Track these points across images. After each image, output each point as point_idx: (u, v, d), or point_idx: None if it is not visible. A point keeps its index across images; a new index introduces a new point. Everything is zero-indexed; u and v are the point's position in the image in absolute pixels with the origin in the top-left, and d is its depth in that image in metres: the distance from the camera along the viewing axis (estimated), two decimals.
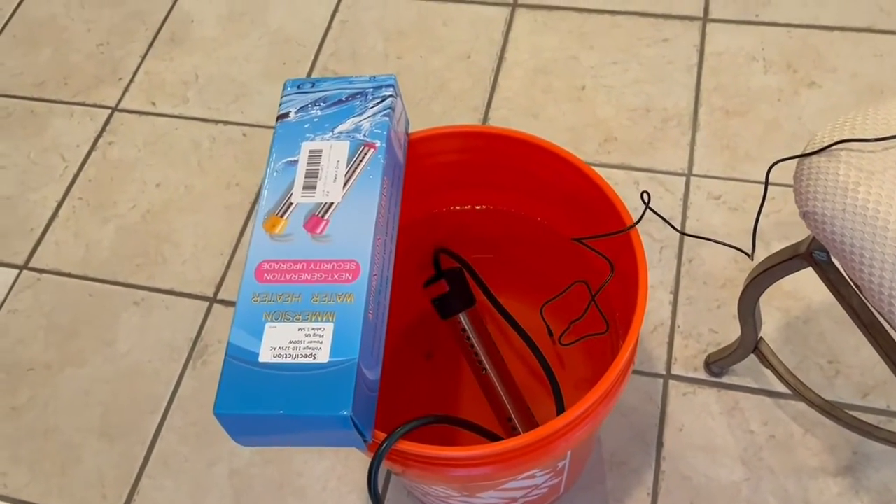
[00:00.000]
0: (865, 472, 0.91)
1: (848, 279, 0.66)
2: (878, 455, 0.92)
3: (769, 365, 0.89)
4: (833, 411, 0.85)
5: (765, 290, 0.77)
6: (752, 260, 0.69)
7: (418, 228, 0.86)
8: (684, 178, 1.15)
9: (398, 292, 0.71)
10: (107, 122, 1.33)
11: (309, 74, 1.33)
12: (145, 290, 1.15)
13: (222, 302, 1.13)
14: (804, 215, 0.60)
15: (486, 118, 1.25)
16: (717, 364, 0.97)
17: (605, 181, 0.72)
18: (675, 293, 1.06)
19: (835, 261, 0.65)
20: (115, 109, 1.34)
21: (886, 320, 0.57)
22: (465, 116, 1.25)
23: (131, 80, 1.37)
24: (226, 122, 1.30)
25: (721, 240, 1.09)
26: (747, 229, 1.10)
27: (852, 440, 0.93)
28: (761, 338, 0.89)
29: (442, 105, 1.27)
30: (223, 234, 1.19)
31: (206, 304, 1.13)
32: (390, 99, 0.69)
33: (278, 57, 1.36)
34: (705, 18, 1.30)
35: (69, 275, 1.18)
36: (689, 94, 1.22)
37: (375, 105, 0.69)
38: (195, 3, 1.45)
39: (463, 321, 0.87)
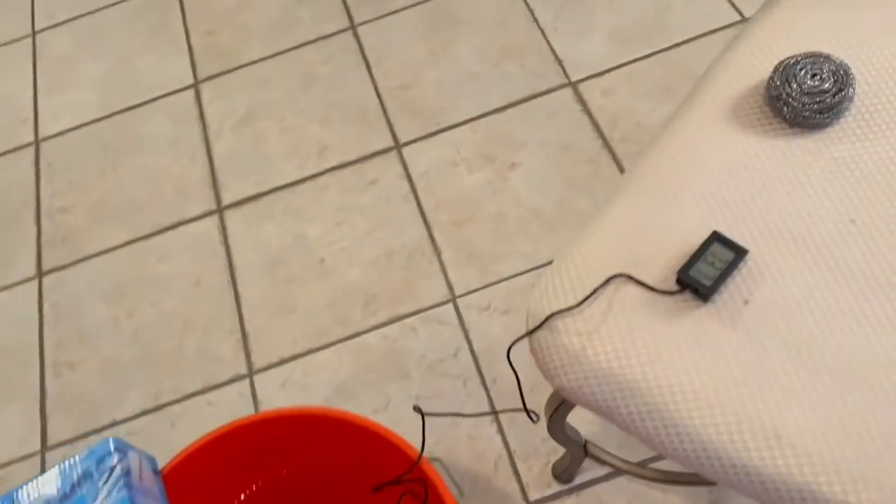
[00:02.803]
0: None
1: None
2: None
3: (604, 462, 0.91)
4: (668, 478, 0.88)
5: (566, 416, 0.79)
6: (535, 423, 0.70)
7: None
8: (451, 304, 1.17)
9: None
10: None
11: (41, 376, 1.20)
12: None
13: None
14: (560, 390, 0.61)
15: (244, 335, 1.19)
16: (564, 473, 0.98)
17: (377, 424, 0.69)
18: (497, 421, 1.06)
19: None
20: None
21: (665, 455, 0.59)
22: (223, 345, 1.19)
23: None
24: None
25: (513, 368, 1.11)
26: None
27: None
28: (586, 441, 0.91)
29: (195, 343, 1.20)
30: None
31: None
32: (119, 466, 0.62)
33: (1, 375, 1.22)
34: (398, 146, 1.34)
35: None
36: (418, 223, 1.25)
37: (106, 481, 0.62)
38: None
39: None
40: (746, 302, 0.57)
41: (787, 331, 0.56)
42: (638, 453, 1.00)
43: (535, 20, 1.42)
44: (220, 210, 1.33)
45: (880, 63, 0.65)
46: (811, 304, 0.56)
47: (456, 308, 1.16)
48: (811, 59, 0.63)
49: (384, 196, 1.29)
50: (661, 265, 0.60)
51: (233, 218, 1.31)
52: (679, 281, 0.58)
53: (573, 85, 1.34)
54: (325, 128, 1.37)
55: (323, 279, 1.22)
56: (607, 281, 0.60)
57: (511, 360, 1.10)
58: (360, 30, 1.47)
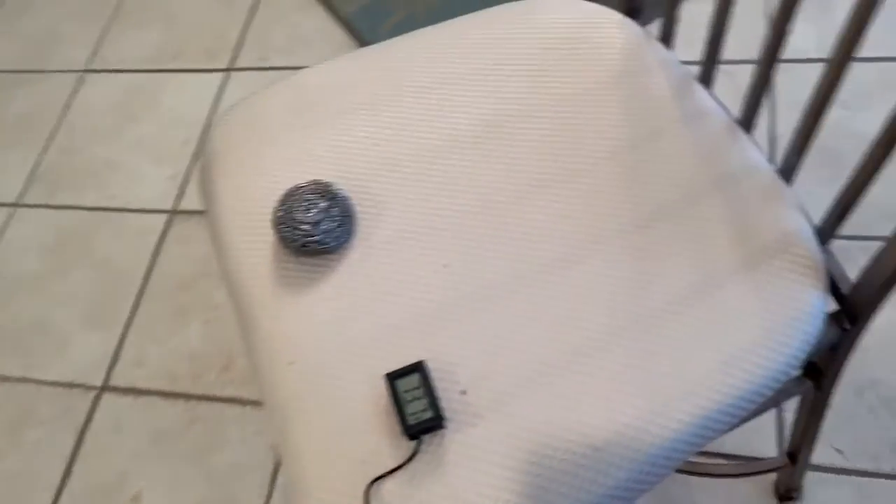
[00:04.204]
0: None
1: None
2: None
3: None
4: None
5: None
6: None
7: None
8: None
9: None
10: None
11: None
12: None
13: None
14: None
15: None
16: None
17: None
18: None
19: None
20: None
21: None
22: None
23: None
24: None
25: None
26: None
27: None
28: None
29: None
30: None
31: None
32: None
33: None
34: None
35: None
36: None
37: None
38: None
39: None
40: (464, 392, 0.56)
41: (506, 390, 0.56)
42: None
43: (7, 377, 1.21)
44: None
45: (340, 162, 0.69)
46: (492, 355, 0.58)
47: None
48: (291, 200, 0.64)
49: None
50: (384, 441, 0.55)
51: None
52: (412, 436, 0.54)
53: (104, 388, 1.18)
54: None
55: None
56: (368, 497, 0.53)
57: None
58: None
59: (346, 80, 0.74)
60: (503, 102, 0.70)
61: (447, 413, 0.55)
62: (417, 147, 0.68)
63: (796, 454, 0.84)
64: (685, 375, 0.55)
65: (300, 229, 0.63)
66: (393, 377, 0.56)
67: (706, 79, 0.70)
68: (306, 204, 0.64)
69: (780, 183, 0.63)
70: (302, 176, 0.68)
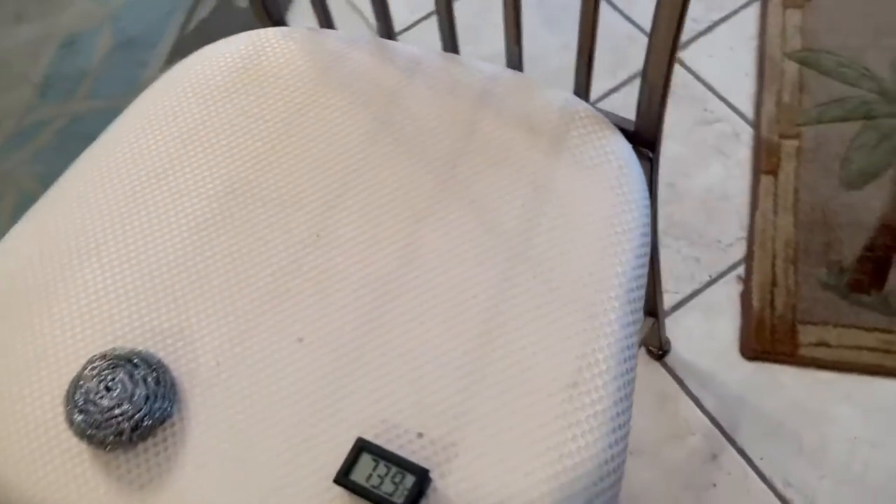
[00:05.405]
0: None
1: None
2: None
3: None
4: None
5: None
6: None
7: None
8: None
9: None
10: None
11: None
12: None
13: None
14: None
15: None
16: None
17: None
18: None
19: None
20: None
21: None
22: None
23: None
24: None
25: None
26: None
27: None
28: None
29: None
30: None
31: None
32: None
33: None
34: None
35: None
36: None
37: None
38: None
39: None
40: (421, 434, 0.47)
41: None
42: None
43: None
44: None
45: (99, 327, 0.54)
46: (418, 381, 0.50)
47: None
48: (79, 396, 0.48)
49: None
50: None
51: None
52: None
53: None
54: None
55: None
56: None
57: None
58: None
59: (42, 247, 0.59)
60: (228, 167, 0.61)
61: (424, 464, 0.46)
62: (170, 258, 0.57)
63: (654, 308, 0.88)
64: (585, 267, 0.53)
65: (117, 416, 0.48)
66: (343, 476, 0.45)
67: (389, 35, 0.68)
68: (101, 386, 0.49)
69: (521, 75, 0.63)
70: (66, 371, 0.53)
